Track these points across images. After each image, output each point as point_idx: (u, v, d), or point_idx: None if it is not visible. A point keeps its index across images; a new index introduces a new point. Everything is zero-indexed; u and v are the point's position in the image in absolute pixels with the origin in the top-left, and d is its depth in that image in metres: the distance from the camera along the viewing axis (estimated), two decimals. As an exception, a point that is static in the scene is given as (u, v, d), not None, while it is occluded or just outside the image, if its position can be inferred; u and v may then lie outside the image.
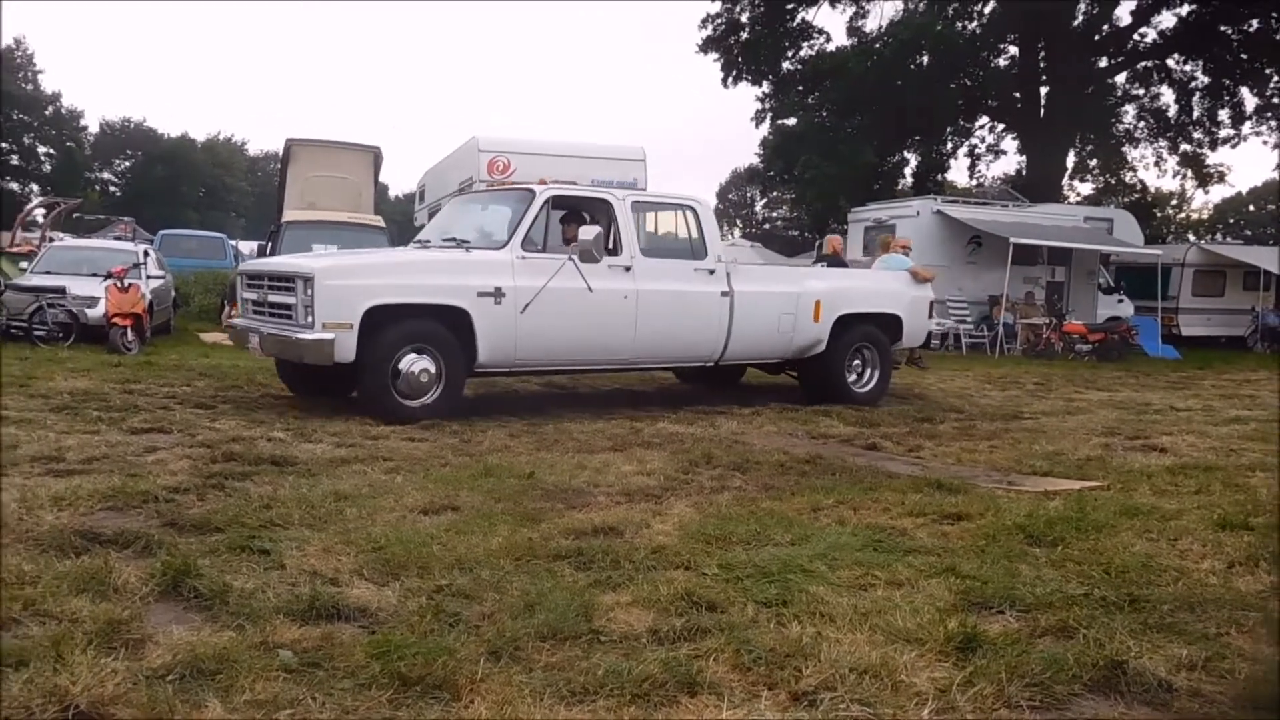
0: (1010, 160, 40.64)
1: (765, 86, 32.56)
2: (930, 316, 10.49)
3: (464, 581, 3.47)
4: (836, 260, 12.80)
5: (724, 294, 8.72)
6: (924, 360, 13.76)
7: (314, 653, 2.78)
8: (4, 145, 46.76)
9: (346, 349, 7.10)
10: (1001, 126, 34.18)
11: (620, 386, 10.65)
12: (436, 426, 7.07)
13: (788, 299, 9.13)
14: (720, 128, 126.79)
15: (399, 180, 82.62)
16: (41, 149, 48.90)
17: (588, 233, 7.75)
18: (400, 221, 29.24)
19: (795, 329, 9.16)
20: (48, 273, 13.53)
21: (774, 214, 64.53)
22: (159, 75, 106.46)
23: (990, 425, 8.40)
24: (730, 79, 31.70)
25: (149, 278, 13.58)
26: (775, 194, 54.06)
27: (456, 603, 3.25)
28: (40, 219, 22.79)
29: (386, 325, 7.26)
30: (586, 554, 3.86)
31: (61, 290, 12.38)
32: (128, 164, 60.54)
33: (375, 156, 16.68)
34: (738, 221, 70.67)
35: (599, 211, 8.49)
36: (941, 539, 4.31)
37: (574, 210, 8.53)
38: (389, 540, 3.91)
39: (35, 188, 47.77)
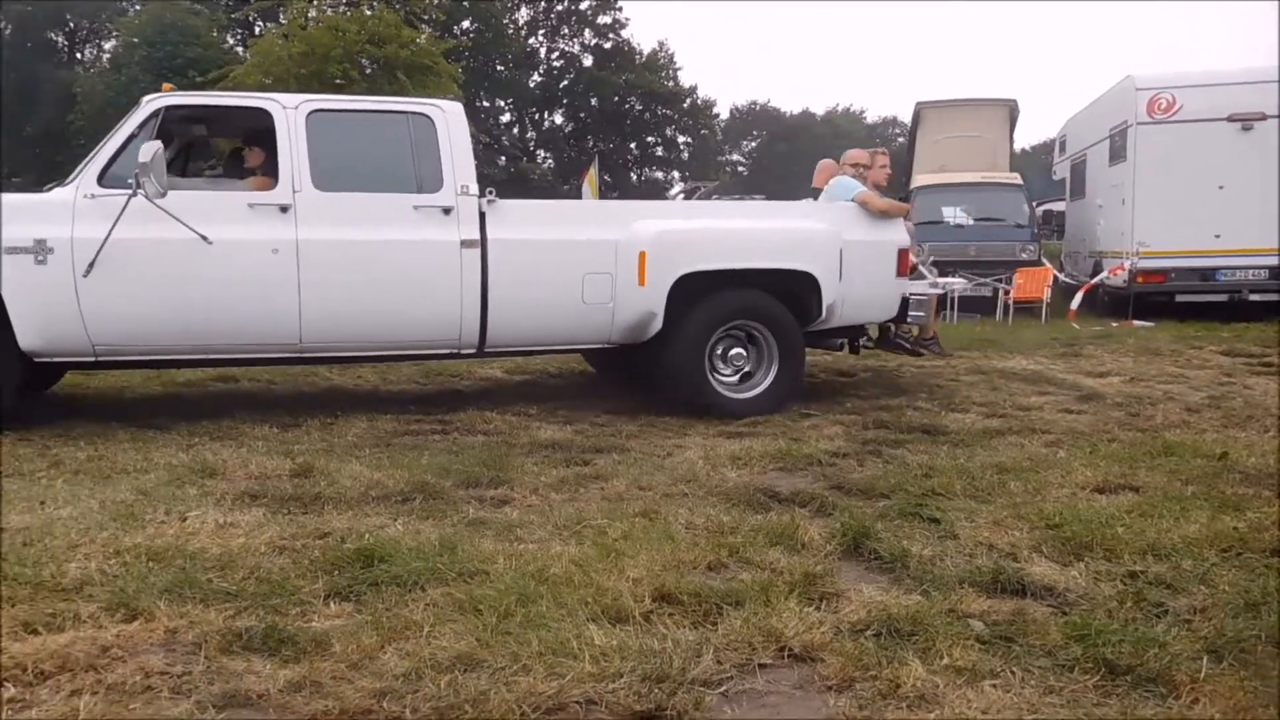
0: None
1: None
2: (903, 273, 6.76)
3: (1160, 569, 3.28)
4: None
5: (467, 243, 6.05)
6: (939, 343, 8.13)
7: (1005, 626, 2.82)
8: (649, 139, 53.90)
9: None
10: None
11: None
12: (1097, 399, 6.75)
13: (596, 250, 6.21)
14: None
15: (1028, 131, 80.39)
16: (681, 139, 55.71)
17: (145, 153, 5.41)
18: (1031, 178, 28.30)
19: (615, 298, 6.24)
20: None
21: None
22: (783, 59, 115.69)
23: None
24: None
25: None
26: None
27: (1157, 591, 3.08)
28: (682, 202, 26.23)
29: None
30: (1317, 553, 3.42)
31: None
32: (753, 144, 66.64)
33: (1011, 110, 16.38)
34: None
35: (258, 128, 6.20)
36: None
37: (245, 132, 6.45)
38: (1065, 518, 3.82)
39: (675, 174, 54.77)
